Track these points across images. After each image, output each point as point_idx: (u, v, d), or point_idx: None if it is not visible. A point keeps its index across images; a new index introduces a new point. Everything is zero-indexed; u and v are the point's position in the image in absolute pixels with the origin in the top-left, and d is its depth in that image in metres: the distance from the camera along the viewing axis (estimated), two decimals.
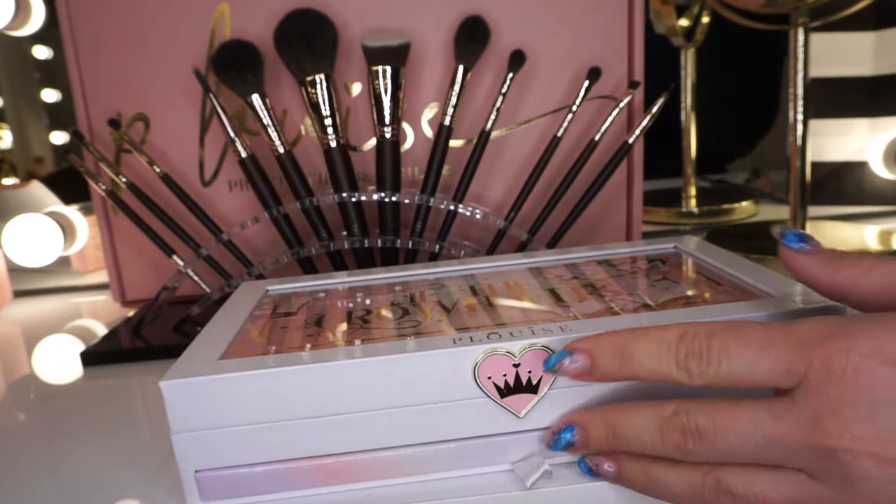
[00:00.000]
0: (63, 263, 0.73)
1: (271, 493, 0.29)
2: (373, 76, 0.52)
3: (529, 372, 0.28)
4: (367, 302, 0.38)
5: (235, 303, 0.39)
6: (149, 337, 0.52)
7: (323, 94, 0.52)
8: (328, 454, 0.29)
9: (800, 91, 0.59)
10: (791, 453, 0.22)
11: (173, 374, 0.29)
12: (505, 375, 0.28)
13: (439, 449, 0.29)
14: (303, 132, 0.57)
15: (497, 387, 0.28)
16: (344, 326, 0.34)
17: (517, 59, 0.52)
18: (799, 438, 0.22)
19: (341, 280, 0.43)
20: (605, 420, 0.26)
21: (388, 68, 0.51)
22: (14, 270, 0.70)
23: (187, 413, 0.28)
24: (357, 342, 0.31)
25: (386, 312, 0.35)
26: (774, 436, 0.22)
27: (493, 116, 0.52)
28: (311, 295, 0.40)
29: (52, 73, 0.76)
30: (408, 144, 0.58)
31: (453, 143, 0.56)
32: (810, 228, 0.62)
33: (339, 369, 0.28)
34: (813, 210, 0.63)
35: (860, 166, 0.78)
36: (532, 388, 0.28)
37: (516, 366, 0.28)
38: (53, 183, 0.76)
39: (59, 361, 0.53)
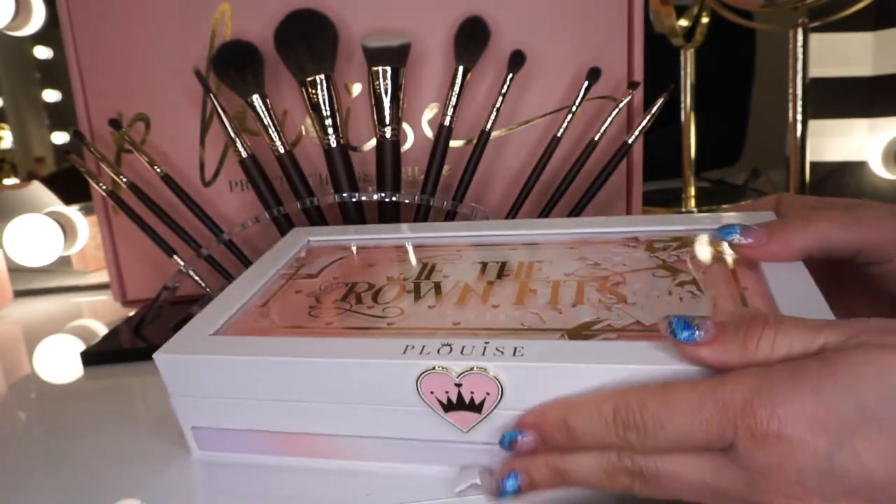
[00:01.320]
0: (64, 263, 0.73)
1: (255, 453, 0.33)
2: (373, 76, 0.52)
3: (472, 392, 0.28)
4: (379, 274, 0.39)
5: (275, 253, 0.42)
6: (149, 337, 0.52)
7: (323, 95, 0.52)
8: (294, 431, 0.32)
9: (799, 91, 0.59)
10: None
11: (168, 347, 0.33)
12: (447, 392, 0.28)
13: (390, 443, 0.31)
14: (303, 132, 0.57)
15: (440, 402, 0.29)
16: (333, 309, 0.35)
17: (517, 60, 0.52)
18: (738, 496, 0.23)
19: (385, 235, 0.45)
20: (549, 465, 0.27)
21: (389, 69, 0.51)
22: (15, 270, 0.70)
23: (178, 381, 0.33)
24: (334, 324, 0.33)
25: (387, 290, 0.36)
26: (717, 490, 0.23)
27: (493, 116, 0.53)
28: (341, 253, 0.43)
29: (53, 73, 0.76)
30: (408, 144, 0.58)
31: (453, 143, 0.56)
32: None
33: (295, 366, 0.30)
34: None
35: (859, 166, 0.78)
36: (476, 408, 0.28)
37: (458, 385, 0.28)
38: (54, 183, 0.76)
39: (59, 361, 0.53)
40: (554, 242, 0.40)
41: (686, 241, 0.37)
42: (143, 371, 0.48)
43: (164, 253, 0.54)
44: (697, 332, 0.25)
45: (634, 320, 0.30)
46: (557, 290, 0.34)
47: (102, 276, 0.70)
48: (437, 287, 0.36)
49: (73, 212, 0.72)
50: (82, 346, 0.53)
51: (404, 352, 0.29)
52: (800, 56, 0.59)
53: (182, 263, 0.53)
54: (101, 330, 0.59)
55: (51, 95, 0.76)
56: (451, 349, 0.28)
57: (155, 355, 0.32)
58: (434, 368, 0.28)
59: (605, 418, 0.25)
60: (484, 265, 0.38)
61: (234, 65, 0.52)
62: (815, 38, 0.60)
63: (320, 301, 0.36)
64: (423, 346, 0.29)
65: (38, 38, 0.73)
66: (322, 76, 0.52)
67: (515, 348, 0.28)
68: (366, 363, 0.29)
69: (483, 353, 0.28)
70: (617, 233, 0.40)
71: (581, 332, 0.29)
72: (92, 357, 0.50)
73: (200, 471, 0.33)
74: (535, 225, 0.43)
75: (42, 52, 0.75)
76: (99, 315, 0.65)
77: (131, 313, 0.59)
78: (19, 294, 0.71)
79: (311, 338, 0.32)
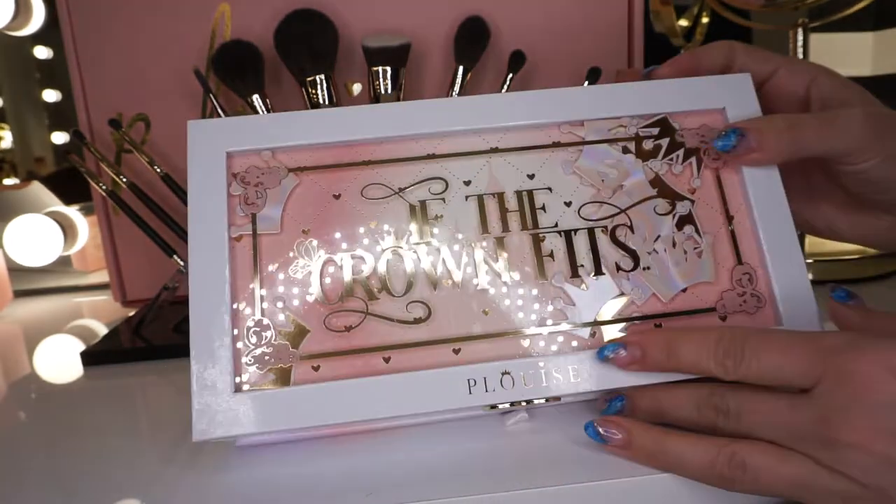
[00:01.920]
0: (64, 263, 0.73)
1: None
2: (373, 76, 0.52)
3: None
4: (358, 221, 0.35)
5: (201, 187, 0.34)
6: (149, 337, 0.52)
7: (323, 95, 0.52)
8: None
9: None
10: (801, 439, 0.26)
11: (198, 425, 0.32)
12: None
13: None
14: None
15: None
16: (347, 313, 0.34)
17: (517, 60, 0.52)
18: (809, 427, 0.25)
19: (325, 138, 0.36)
20: (651, 394, 0.31)
21: (389, 68, 0.51)
22: (15, 270, 0.70)
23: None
24: (358, 338, 0.33)
25: (392, 268, 0.34)
26: (790, 422, 0.26)
27: None
28: (286, 177, 0.35)
29: (53, 73, 0.76)
30: None
31: None
32: None
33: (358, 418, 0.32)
34: None
35: None
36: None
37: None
38: (54, 183, 0.76)
39: (59, 361, 0.53)
40: (534, 146, 0.37)
41: (666, 130, 0.37)
42: (143, 371, 0.48)
43: (164, 253, 0.54)
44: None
45: (652, 293, 0.34)
46: (573, 247, 0.35)
47: (102, 276, 0.70)
48: (441, 255, 0.35)
49: (73, 212, 0.72)
50: (82, 346, 0.53)
51: (469, 392, 0.32)
52: (800, 56, 0.58)
53: (182, 263, 0.53)
54: (101, 330, 0.59)
55: (51, 95, 0.76)
56: (513, 382, 0.32)
57: (238, 444, 0.34)
58: (498, 407, 0.33)
59: (708, 344, 0.28)
60: (480, 202, 0.35)
61: (234, 65, 0.52)
62: (815, 38, 0.60)
63: (325, 297, 0.34)
64: (484, 379, 0.32)
65: (38, 38, 0.73)
66: (322, 76, 0.52)
67: (571, 371, 0.32)
68: (430, 407, 0.32)
69: (544, 383, 0.32)
70: (599, 120, 0.37)
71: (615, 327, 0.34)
72: (92, 357, 0.50)
73: (200, 471, 0.33)
74: (499, 109, 0.37)
75: (42, 52, 0.75)
76: (99, 315, 0.64)
77: (131, 313, 0.59)
78: (19, 294, 0.71)
79: (361, 381, 0.32)
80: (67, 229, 0.70)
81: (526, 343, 0.33)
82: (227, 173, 0.35)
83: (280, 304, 0.33)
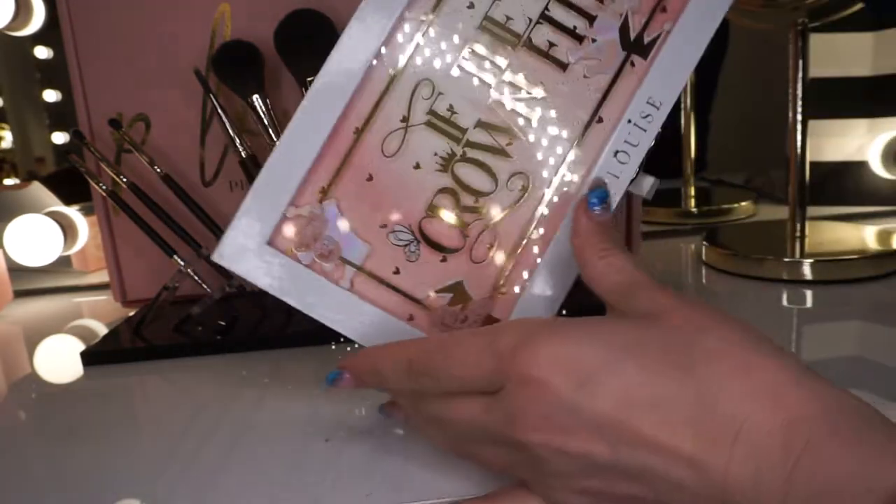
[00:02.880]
0: (64, 263, 0.73)
1: None
2: None
3: None
4: (413, 202, 0.34)
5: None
6: (149, 337, 0.52)
7: None
8: None
9: (799, 91, 0.59)
10: (498, 440, 0.27)
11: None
12: None
13: None
14: None
15: None
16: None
17: None
18: (500, 429, 0.26)
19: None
20: (370, 359, 0.31)
21: None
22: (15, 270, 0.70)
23: None
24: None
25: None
26: (486, 425, 0.27)
27: None
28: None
29: (53, 73, 0.76)
30: None
31: None
32: (810, 228, 0.62)
33: None
34: (812, 210, 0.63)
35: (859, 166, 0.78)
36: None
37: None
38: (54, 183, 0.77)
39: (59, 361, 0.53)
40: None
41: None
42: (143, 371, 0.48)
43: (164, 253, 0.54)
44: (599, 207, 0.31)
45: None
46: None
47: (102, 276, 0.70)
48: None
49: (73, 212, 0.72)
50: (82, 346, 0.53)
51: None
52: (800, 56, 0.58)
53: (182, 263, 0.53)
54: (101, 330, 0.59)
55: (51, 95, 0.77)
56: None
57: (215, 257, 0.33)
58: None
59: (403, 368, 0.29)
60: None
61: (235, 65, 0.52)
62: (815, 38, 0.60)
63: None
64: None
65: (38, 38, 0.73)
66: None
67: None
68: None
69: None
70: None
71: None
72: (92, 357, 0.50)
73: (200, 470, 0.33)
74: None
75: (42, 52, 0.75)
76: (99, 315, 0.65)
77: (131, 313, 0.59)
78: (19, 294, 0.71)
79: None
80: (67, 229, 0.70)
81: None
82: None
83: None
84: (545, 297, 0.34)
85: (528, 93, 0.33)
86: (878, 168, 0.77)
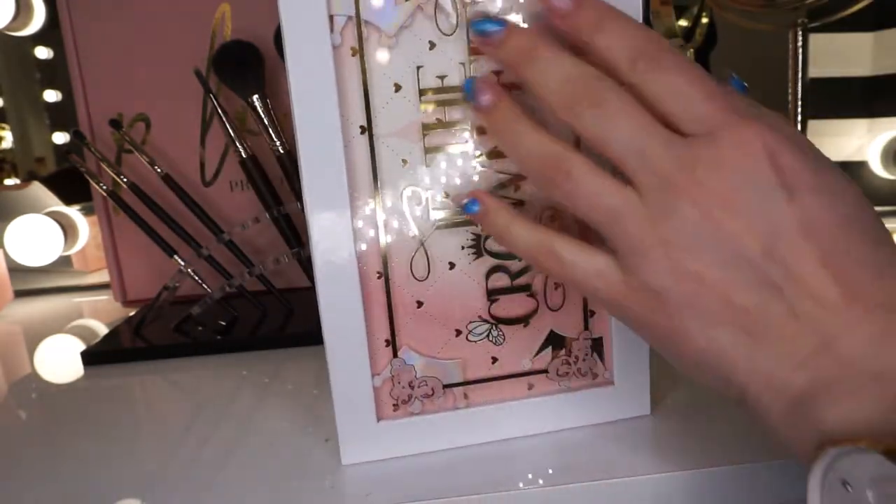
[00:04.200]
0: (64, 263, 0.73)
1: None
2: None
3: None
4: None
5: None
6: (150, 337, 0.52)
7: None
8: None
9: (799, 91, 0.59)
10: (651, 172, 0.24)
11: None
12: None
13: None
14: None
15: None
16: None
17: None
18: (666, 166, 0.24)
19: None
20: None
21: None
22: (15, 270, 0.70)
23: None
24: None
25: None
26: (647, 146, 0.24)
27: None
28: None
29: (53, 73, 0.76)
30: None
31: None
32: None
33: None
34: None
35: (859, 166, 0.78)
36: None
37: None
38: (54, 183, 0.76)
39: (60, 361, 0.53)
40: None
41: None
42: (144, 371, 0.48)
43: (164, 253, 0.54)
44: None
45: None
46: None
47: (102, 276, 0.70)
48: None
49: (73, 212, 0.72)
50: (82, 346, 0.53)
51: None
52: (800, 56, 0.59)
53: (182, 263, 0.53)
54: (102, 330, 0.59)
55: (51, 95, 0.76)
56: None
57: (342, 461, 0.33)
58: None
59: (630, 34, 0.25)
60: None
61: (234, 65, 0.52)
62: (815, 38, 0.60)
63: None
64: None
65: (38, 38, 0.73)
66: None
67: None
68: None
69: None
70: None
71: None
72: (92, 357, 0.50)
73: (201, 470, 0.33)
74: None
75: (42, 52, 0.75)
76: (99, 315, 0.65)
77: (131, 313, 0.59)
78: (19, 294, 0.71)
79: None
80: (67, 229, 0.70)
81: None
82: None
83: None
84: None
85: None
86: (877, 168, 0.77)
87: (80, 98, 0.57)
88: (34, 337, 0.59)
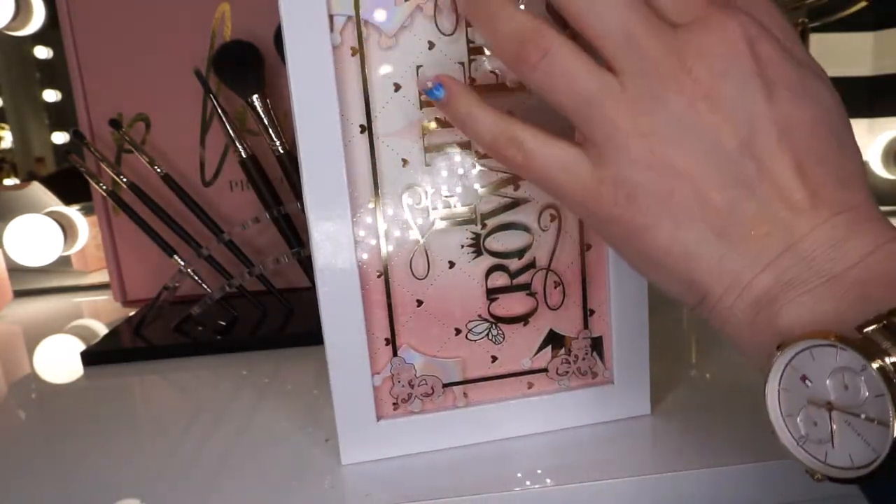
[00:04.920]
0: (64, 263, 0.73)
1: None
2: None
3: None
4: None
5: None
6: (150, 337, 0.52)
7: None
8: None
9: None
10: (640, 58, 0.23)
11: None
12: None
13: None
14: None
15: None
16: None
17: None
18: (658, 54, 0.23)
19: None
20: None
21: None
22: (15, 270, 0.70)
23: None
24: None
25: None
26: (637, 37, 0.23)
27: None
28: None
29: (53, 73, 0.76)
30: None
31: None
32: None
33: None
34: None
35: None
36: None
37: None
38: (54, 183, 0.76)
39: (59, 361, 0.53)
40: None
41: None
42: (143, 371, 0.48)
43: (164, 253, 0.54)
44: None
45: None
46: None
47: (102, 276, 0.70)
48: None
49: (73, 212, 0.72)
50: (82, 346, 0.53)
51: None
52: None
53: (182, 263, 0.53)
54: (101, 330, 0.59)
55: (51, 95, 0.76)
56: None
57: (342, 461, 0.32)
58: None
59: None
60: None
61: (234, 65, 0.52)
62: (815, 38, 0.60)
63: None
64: None
65: (38, 38, 0.73)
66: None
67: None
68: None
69: None
70: None
71: None
72: (92, 357, 0.50)
73: (201, 470, 0.33)
74: None
75: (42, 52, 0.75)
76: (99, 315, 0.65)
77: (131, 313, 0.59)
78: (19, 294, 0.71)
79: None
80: (67, 229, 0.70)
81: None
82: None
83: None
84: (633, 293, 0.33)
85: None
86: (878, 168, 0.77)
87: (79, 98, 0.57)
88: (34, 337, 0.59)
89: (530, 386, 0.34)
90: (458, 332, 0.32)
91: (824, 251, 0.22)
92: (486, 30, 0.26)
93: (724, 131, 0.23)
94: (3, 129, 0.76)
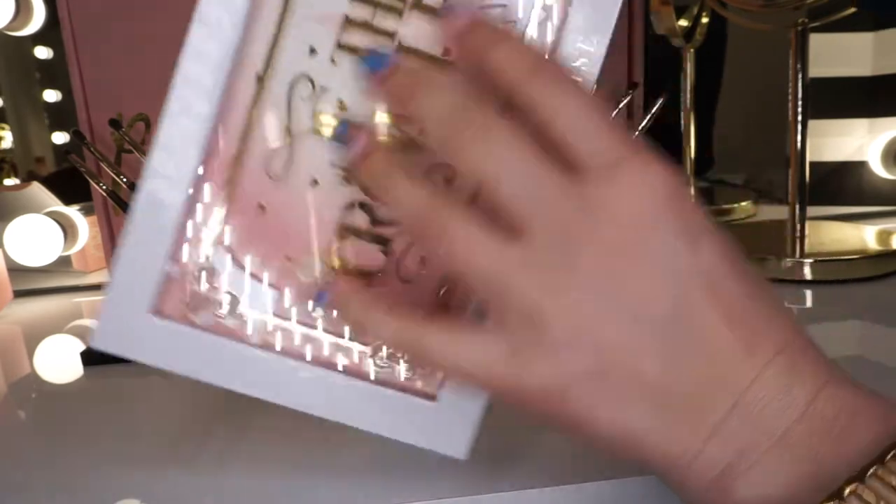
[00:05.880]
0: (64, 263, 0.73)
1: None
2: None
3: None
4: None
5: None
6: None
7: None
8: None
9: (799, 91, 0.59)
10: (550, 209, 0.22)
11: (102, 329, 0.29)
12: None
13: None
14: None
15: None
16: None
17: None
18: (567, 203, 0.22)
19: None
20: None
21: None
22: (15, 270, 0.70)
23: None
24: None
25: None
26: (540, 186, 0.22)
27: None
28: None
29: (53, 73, 0.76)
30: None
31: None
32: (810, 228, 0.62)
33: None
34: (812, 210, 0.63)
35: (859, 166, 0.78)
36: None
37: None
38: (54, 183, 0.76)
39: (59, 361, 0.53)
40: None
41: None
42: (143, 371, 0.48)
43: None
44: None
45: None
46: None
47: (102, 276, 0.70)
48: None
49: (73, 212, 0.72)
50: (82, 346, 0.53)
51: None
52: (800, 56, 0.58)
53: None
54: None
55: (51, 95, 0.76)
56: None
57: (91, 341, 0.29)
58: None
59: (520, 51, 0.23)
60: None
61: None
62: (815, 38, 0.60)
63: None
64: None
65: (38, 38, 0.73)
66: None
67: None
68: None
69: None
70: None
71: None
72: (92, 357, 0.50)
73: (200, 470, 0.33)
74: None
75: (42, 52, 0.75)
76: (99, 315, 0.64)
77: None
78: (19, 294, 0.71)
79: None
80: (67, 229, 0.70)
81: None
82: None
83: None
84: None
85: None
86: (878, 168, 0.77)
87: (79, 98, 0.57)
88: (34, 337, 0.59)
89: (345, 365, 0.28)
90: (288, 259, 0.27)
91: (770, 402, 0.22)
92: (391, 206, 0.25)
93: (653, 299, 0.22)
94: (3, 129, 0.76)
